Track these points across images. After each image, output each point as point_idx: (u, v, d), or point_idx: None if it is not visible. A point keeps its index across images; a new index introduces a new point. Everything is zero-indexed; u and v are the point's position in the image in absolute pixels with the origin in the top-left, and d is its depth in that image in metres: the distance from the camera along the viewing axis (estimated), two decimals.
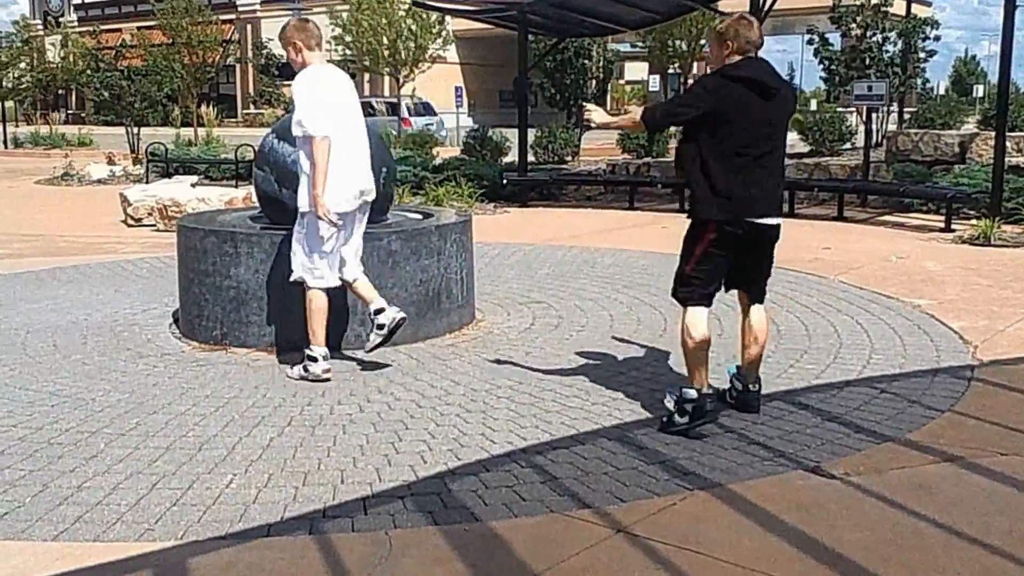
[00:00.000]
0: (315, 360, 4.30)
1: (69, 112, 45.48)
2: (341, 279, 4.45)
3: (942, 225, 9.19)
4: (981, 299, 6.05)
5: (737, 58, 3.61)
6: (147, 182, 13.48)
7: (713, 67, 3.72)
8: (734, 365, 4.01)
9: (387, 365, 4.58)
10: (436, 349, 4.90)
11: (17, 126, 30.70)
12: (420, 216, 5.84)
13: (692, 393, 3.57)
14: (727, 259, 3.64)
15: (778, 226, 3.69)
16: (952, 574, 2.55)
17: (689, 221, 3.70)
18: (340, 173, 4.24)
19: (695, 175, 3.57)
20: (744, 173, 3.53)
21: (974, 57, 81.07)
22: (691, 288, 3.66)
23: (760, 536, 2.76)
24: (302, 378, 4.31)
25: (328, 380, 4.28)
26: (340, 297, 4.69)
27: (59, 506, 2.96)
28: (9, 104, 30.85)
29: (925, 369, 4.47)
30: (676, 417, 3.59)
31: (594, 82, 19.39)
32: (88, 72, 26.01)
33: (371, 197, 4.51)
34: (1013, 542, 2.71)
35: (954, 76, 74.67)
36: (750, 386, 3.84)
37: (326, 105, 4.22)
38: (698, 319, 3.61)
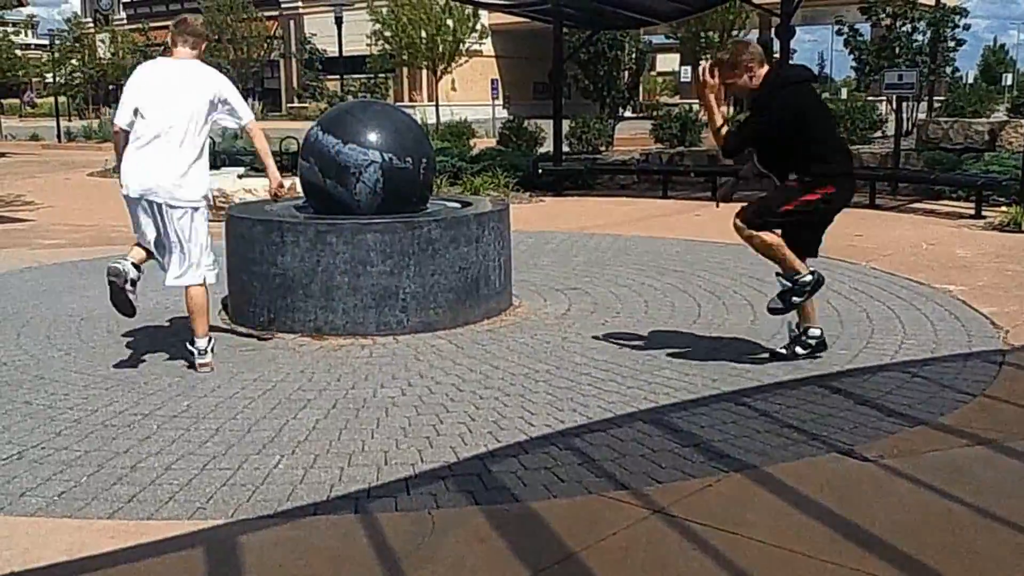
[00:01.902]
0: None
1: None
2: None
3: (972, 212, 9.13)
4: (1012, 285, 6.01)
5: (764, 70, 4.18)
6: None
7: (749, 87, 4.21)
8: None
9: (427, 350, 4.68)
10: (475, 334, 5.00)
11: (70, 120, 31.45)
12: (459, 205, 5.93)
13: (808, 278, 4.16)
14: (814, 221, 4.22)
15: None
16: (985, 555, 2.57)
17: (798, 179, 4.17)
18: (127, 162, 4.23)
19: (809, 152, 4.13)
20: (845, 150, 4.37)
21: (1003, 46, 79.31)
22: (767, 223, 4.15)
23: (795, 517, 2.80)
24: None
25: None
26: (383, 281, 4.80)
27: (114, 485, 3.08)
28: (62, 99, 31.60)
29: (957, 354, 4.48)
30: (794, 298, 4.19)
31: (627, 73, 19.35)
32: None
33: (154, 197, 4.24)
34: None
35: (983, 65, 73.14)
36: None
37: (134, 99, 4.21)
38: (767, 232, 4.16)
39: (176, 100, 4.22)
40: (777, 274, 4.29)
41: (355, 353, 4.66)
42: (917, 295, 5.74)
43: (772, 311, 4.34)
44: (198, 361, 4.38)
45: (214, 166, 15.24)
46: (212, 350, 4.42)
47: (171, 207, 4.26)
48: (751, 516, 2.81)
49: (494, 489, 3.03)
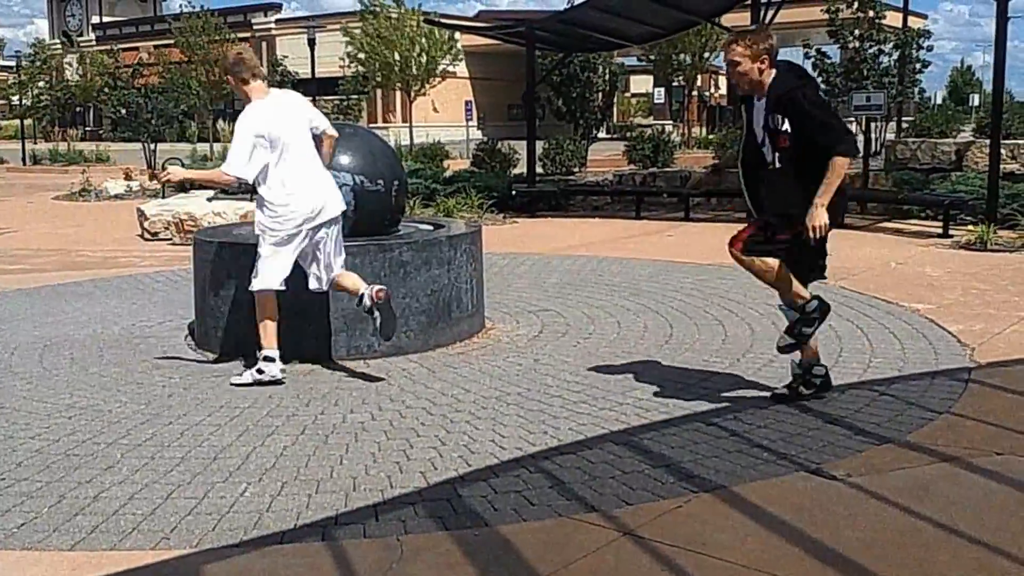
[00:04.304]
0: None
1: (87, 129, 46.07)
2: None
3: (940, 231, 9.29)
4: (978, 303, 6.11)
5: (774, 72, 3.82)
6: (164, 197, 13.65)
7: (747, 85, 3.84)
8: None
9: (398, 374, 4.65)
10: (447, 357, 4.98)
11: (36, 143, 31.15)
12: (431, 227, 5.93)
13: (813, 304, 3.90)
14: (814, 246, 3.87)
15: None
16: (950, 572, 2.59)
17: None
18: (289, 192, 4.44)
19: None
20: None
21: (969, 67, 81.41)
22: (766, 251, 3.87)
23: (764, 537, 2.81)
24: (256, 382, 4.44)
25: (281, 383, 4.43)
26: (354, 304, 4.79)
27: (76, 516, 3.02)
28: (28, 122, 31.29)
29: (924, 372, 4.53)
30: (803, 329, 3.92)
31: (600, 95, 19.52)
32: (106, 90, 26.45)
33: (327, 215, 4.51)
34: (1009, 539, 2.76)
35: (951, 86, 75.06)
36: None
37: (258, 138, 4.38)
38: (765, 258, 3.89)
39: (298, 125, 4.51)
40: (779, 305, 4.07)
41: (324, 378, 4.62)
42: (885, 314, 5.81)
43: (784, 350, 3.99)
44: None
45: (183, 189, 15.20)
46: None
47: (335, 221, 4.56)
48: (720, 536, 2.81)
49: (464, 514, 3.01)
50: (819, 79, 15.33)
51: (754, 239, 3.90)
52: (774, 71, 3.80)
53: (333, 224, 4.55)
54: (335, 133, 4.78)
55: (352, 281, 4.55)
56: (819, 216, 3.70)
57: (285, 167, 4.43)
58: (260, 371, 4.46)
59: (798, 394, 4.08)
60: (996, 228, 8.65)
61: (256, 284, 4.50)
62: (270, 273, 4.49)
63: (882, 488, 3.13)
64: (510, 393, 4.30)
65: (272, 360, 4.47)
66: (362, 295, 4.45)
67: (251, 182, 4.47)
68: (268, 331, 4.50)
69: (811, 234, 3.73)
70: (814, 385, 4.08)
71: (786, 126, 3.74)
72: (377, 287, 4.47)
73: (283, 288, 4.53)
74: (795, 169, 3.78)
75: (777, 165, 3.82)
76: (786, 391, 4.11)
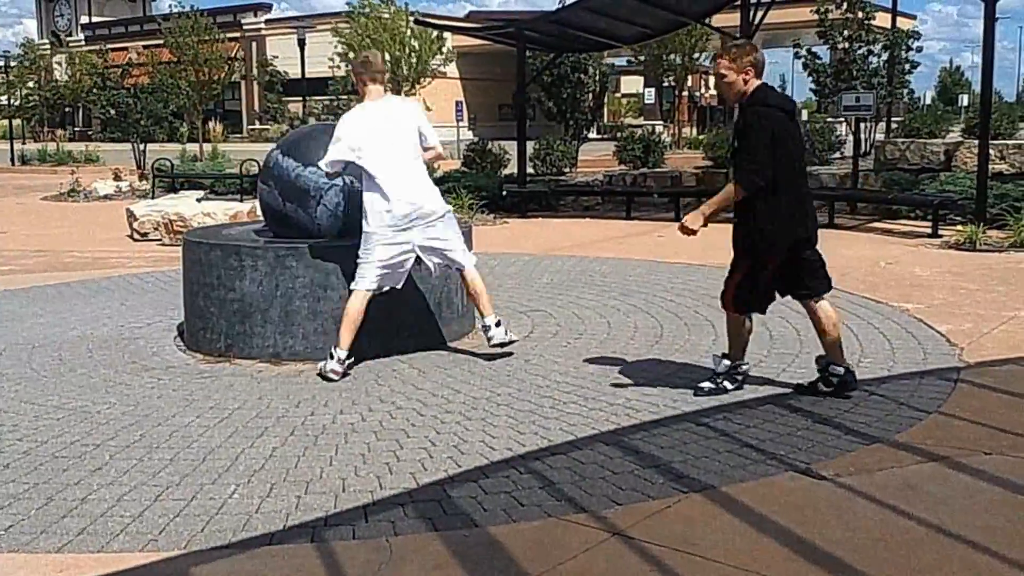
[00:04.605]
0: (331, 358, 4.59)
1: (76, 129, 45.87)
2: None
3: (929, 231, 9.34)
4: (967, 303, 6.14)
5: (757, 83, 3.94)
6: (153, 197, 13.61)
7: (732, 95, 3.98)
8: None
9: (388, 375, 4.65)
10: (437, 358, 4.97)
11: (24, 144, 30.99)
12: None
13: (841, 369, 4.09)
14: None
15: None
16: (936, 571, 2.60)
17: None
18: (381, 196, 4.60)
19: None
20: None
21: (958, 68, 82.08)
22: (759, 297, 4.11)
23: (753, 537, 2.82)
24: (319, 375, 4.59)
25: (333, 380, 4.52)
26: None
27: (63, 518, 3.01)
28: (16, 122, 31.15)
29: (913, 372, 4.55)
30: (726, 384, 4.13)
31: (590, 95, 19.53)
32: (95, 90, 26.32)
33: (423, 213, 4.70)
34: (996, 539, 2.77)
35: (940, 86, 75.60)
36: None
37: (340, 140, 4.61)
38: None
39: (391, 133, 4.67)
40: (714, 355, 4.29)
41: (314, 379, 4.61)
42: (875, 314, 5.83)
43: (700, 392, 4.19)
44: (496, 339, 4.81)
45: (172, 189, 15.17)
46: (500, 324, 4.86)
47: (440, 217, 4.76)
48: (709, 536, 2.81)
49: (454, 515, 3.01)
50: (809, 79, 15.42)
51: (739, 295, 4.03)
52: (758, 82, 3.95)
53: (428, 226, 4.68)
54: (440, 152, 4.95)
55: (484, 301, 4.87)
56: (690, 219, 3.99)
57: (371, 172, 4.57)
58: (324, 367, 4.61)
59: (817, 390, 4.14)
60: (985, 228, 8.70)
61: (353, 283, 4.68)
62: (359, 275, 4.65)
63: (871, 488, 3.14)
64: (500, 394, 4.30)
65: (333, 357, 4.57)
66: (488, 327, 4.83)
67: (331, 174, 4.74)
68: (344, 329, 4.59)
69: (679, 231, 4.03)
70: (831, 384, 4.10)
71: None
72: (498, 339, 4.82)
73: (371, 291, 4.65)
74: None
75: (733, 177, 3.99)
76: (807, 385, 4.22)
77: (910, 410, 3.96)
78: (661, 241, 9.55)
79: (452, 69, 34.79)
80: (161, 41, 29.78)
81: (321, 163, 4.69)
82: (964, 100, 46.53)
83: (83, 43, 47.11)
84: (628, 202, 12.09)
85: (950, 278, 7.03)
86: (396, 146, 4.63)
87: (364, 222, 4.63)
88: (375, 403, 4.20)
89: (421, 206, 4.64)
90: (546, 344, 5.25)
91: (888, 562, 2.64)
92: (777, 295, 4.14)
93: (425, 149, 4.80)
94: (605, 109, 36.33)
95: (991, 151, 9.85)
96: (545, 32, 13.26)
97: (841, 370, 4.09)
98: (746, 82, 3.93)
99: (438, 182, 12.95)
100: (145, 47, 36.84)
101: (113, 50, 41.20)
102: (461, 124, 28.56)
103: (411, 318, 5.08)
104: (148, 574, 2.68)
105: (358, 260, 4.65)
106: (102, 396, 4.37)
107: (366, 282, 4.64)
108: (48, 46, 46.25)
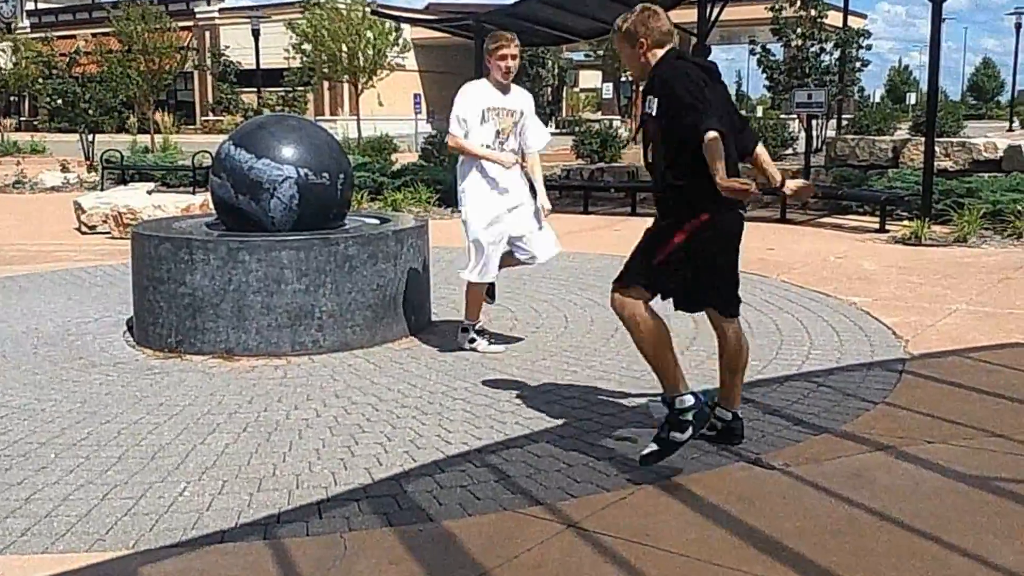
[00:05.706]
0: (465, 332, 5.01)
1: (21, 119, 44.58)
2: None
3: (877, 226, 9.55)
4: (912, 296, 6.30)
5: (660, 52, 3.22)
6: (102, 189, 13.30)
7: (635, 72, 3.33)
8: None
9: (344, 369, 4.61)
10: (393, 353, 4.95)
11: None
12: (377, 221, 5.88)
13: (689, 400, 3.24)
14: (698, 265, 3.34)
15: None
16: (884, 557, 2.67)
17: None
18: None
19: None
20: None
21: (907, 67, 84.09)
22: (655, 280, 3.42)
23: (704, 527, 2.86)
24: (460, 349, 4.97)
25: (474, 351, 4.91)
26: (298, 299, 4.71)
27: (6, 519, 2.93)
28: None
29: (860, 363, 4.64)
30: (674, 434, 3.23)
31: (549, 90, 19.59)
32: (41, 79, 25.58)
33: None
34: (939, 525, 2.85)
35: (889, 84, 77.31)
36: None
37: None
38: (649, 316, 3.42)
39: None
40: (648, 400, 3.76)
41: (268, 374, 4.55)
42: (824, 307, 5.95)
43: (647, 460, 3.22)
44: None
45: (122, 181, 14.81)
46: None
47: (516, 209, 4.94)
48: (662, 527, 2.85)
49: (409, 509, 3.00)
50: (763, 76, 15.66)
51: (634, 268, 3.30)
52: (660, 51, 3.21)
53: (515, 210, 4.89)
54: (534, 152, 5.18)
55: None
56: (733, 182, 2.96)
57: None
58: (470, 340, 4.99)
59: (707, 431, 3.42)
60: (930, 223, 8.96)
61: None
62: (471, 263, 4.91)
63: (819, 477, 3.21)
64: (457, 388, 4.29)
65: (466, 331, 5.00)
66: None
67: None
68: (469, 305, 5.03)
69: (794, 196, 3.23)
70: (715, 428, 3.44)
71: (654, 108, 3.14)
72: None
73: (484, 280, 4.93)
74: (666, 162, 3.18)
75: (649, 160, 3.27)
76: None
77: (857, 401, 4.05)
78: (618, 235, 9.61)
79: (411, 62, 34.57)
80: (110, 29, 29.08)
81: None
82: (912, 98, 47.65)
83: (28, 30, 45.79)
84: (585, 196, 12.15)
85: (896, 272, 7.20)
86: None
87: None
88: (330, 398, 4.16)
89: (501, 196, 4.94)
90: (503, 338, 5.25)
91: (836, 549, 2.70)
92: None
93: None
94: (563, 103, 36.42)
95: (936, 148, 10.14)
96: (502, 25, 13.21)
97: (729, 415, 3.45)
98: (644, 55, 3.22)
99: (395, 175, 13.00)
100: (93, 35, 35.93)
101: (60, 37, 40.11)
102: (420, 117, 28.41)
103: (367, 312, 5.05)
104: (95, 574, 2.63)
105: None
106: (47, 393, 4.26)
107: (472, 272, 4.97)
108: None
